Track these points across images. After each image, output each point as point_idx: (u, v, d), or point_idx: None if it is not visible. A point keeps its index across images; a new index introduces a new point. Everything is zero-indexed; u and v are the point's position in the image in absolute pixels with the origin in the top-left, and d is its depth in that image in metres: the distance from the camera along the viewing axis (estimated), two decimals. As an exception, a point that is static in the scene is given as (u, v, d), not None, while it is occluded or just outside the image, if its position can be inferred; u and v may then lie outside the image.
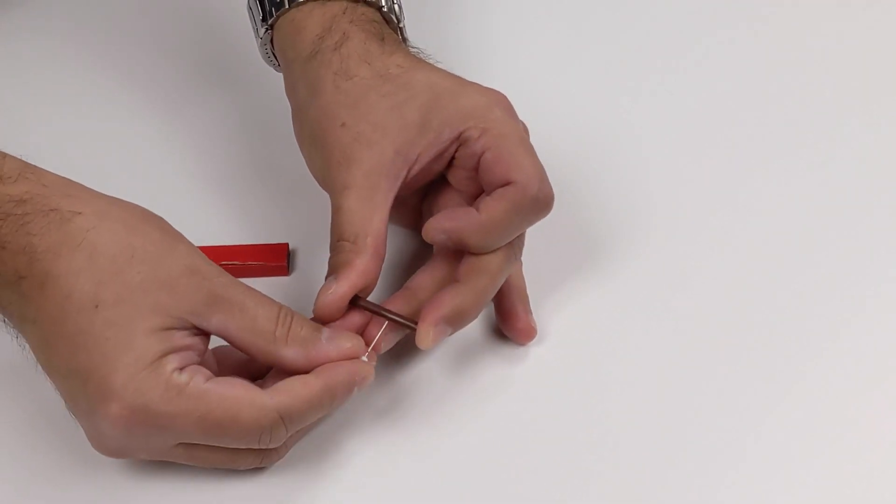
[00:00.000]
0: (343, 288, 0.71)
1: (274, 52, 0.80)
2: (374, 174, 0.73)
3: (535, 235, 0.75)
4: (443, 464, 0.73)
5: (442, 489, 0.72)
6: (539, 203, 0.72)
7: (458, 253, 0.74)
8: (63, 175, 0.69)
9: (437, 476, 0.73)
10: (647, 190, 0.84)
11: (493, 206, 0.72)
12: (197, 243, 0.78)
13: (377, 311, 0.72)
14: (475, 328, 0.77)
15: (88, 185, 0.69)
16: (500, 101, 0.74)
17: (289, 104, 0.78)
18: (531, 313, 0.76)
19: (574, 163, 0.84)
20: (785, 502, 0.72)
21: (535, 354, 0.76)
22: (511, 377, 0.76)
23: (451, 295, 0.72)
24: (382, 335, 0.72)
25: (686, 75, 0.90)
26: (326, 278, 0.72)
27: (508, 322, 0.76)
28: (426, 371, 0.76)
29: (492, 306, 0.77)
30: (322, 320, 0.71)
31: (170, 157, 0.85)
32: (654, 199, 0.84)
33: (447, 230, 0.73)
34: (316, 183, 0.76)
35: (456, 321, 0.72)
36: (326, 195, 0.75)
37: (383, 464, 0.73)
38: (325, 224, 0.74)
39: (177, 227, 0.79)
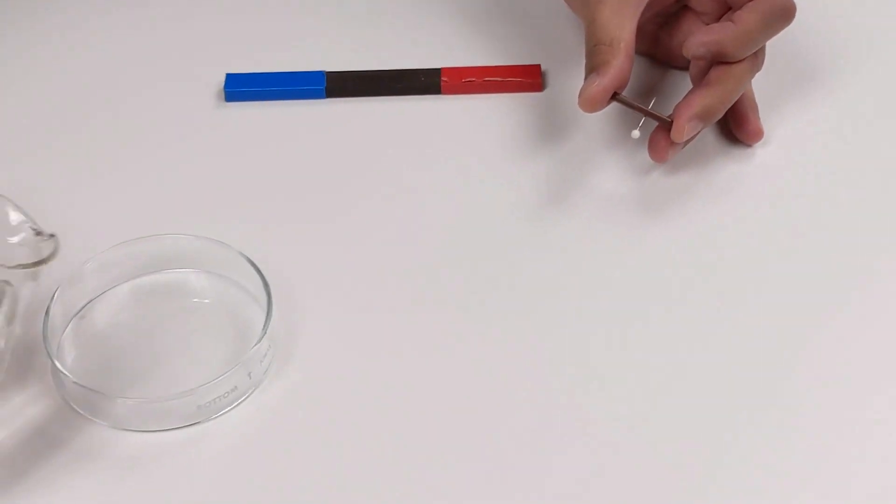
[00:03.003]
0: (605, 81, 0.80)
1: None
2: None
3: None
4: (682, 238, 0.82)
5: (679, 260, 0.81)
6: (786, 11, 0.82)
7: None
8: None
9: (680, 252, 0.82)
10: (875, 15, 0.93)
11: (746, 18, 0.82)
12: (464, 63, 0.90)
13: (635, 106, 0.82)
14: (711, 130, 0.87)
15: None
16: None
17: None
18: (759, 118, 0.86)
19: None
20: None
21: (761, 154, 0.86)
22: (741, 174, 0.85)
23: (702, 95, 0.82)
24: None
25: None
26: (586, 77, 0.81)
27: (740, 124, 0.86)
28: (669, 166, 0.85)
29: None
30: (587, 110, 0.81)
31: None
32: (879, 26, 0.92)
33: (706, 43, 0.82)
34: (561, 15, 0.88)
35: (706, 117, 0.82)
36: (571, 25, 0.85)
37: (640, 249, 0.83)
38: (571, 49, 0.86)
39: (446, 50, 0.91)
